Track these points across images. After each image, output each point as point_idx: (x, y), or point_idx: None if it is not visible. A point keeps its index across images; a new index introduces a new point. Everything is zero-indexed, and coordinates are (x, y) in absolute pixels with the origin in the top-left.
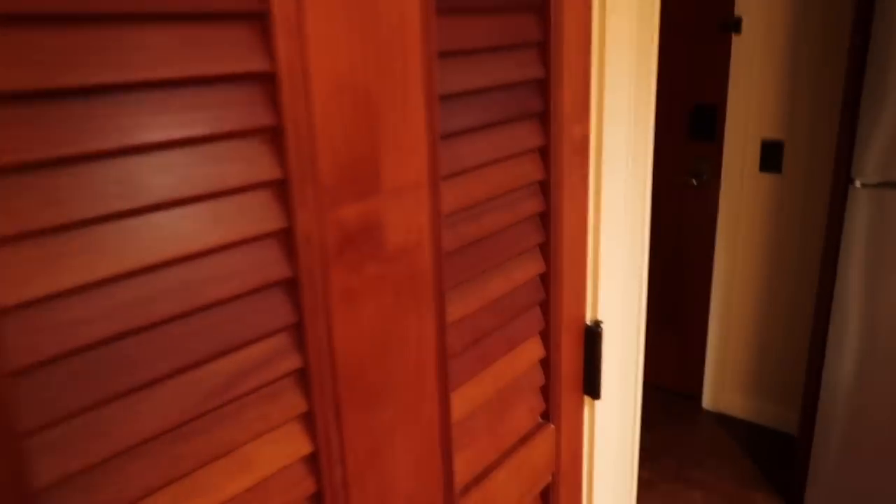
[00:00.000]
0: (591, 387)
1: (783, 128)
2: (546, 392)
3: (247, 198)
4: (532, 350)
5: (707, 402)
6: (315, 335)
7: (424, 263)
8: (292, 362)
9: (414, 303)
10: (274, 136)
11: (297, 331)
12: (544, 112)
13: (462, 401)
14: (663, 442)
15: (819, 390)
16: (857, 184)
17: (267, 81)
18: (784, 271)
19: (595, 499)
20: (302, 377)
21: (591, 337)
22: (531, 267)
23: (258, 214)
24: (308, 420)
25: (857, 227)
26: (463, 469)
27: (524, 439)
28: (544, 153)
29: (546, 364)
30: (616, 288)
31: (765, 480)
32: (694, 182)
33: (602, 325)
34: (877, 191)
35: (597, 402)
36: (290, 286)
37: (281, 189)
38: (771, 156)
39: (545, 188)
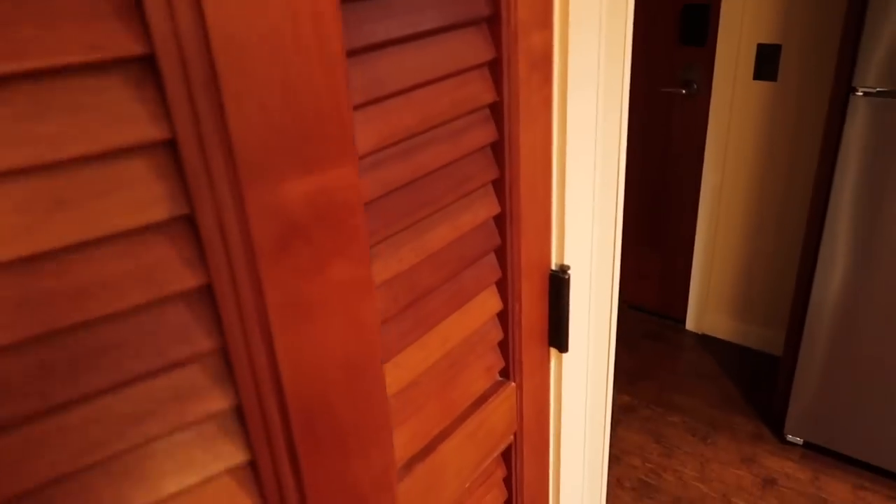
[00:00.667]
0: (558, 339)
1: (780, 31)
2: (505, 348)
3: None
4: (487, 304)
5: (691, 323)
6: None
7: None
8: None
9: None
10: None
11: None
12: (493, 16)
13: (400, 371)
14: (644, 365)
15: (806, 311)
16: (859, 92)
17: None
18: (775, 187)
19: (563, 458)
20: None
21: (557, 284)
22: (483, 209)
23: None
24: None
25: (856, 139)
26: (406, 444)
27: (480, 401)
28: (495, 69)
29: (504, 317)
30: (585, 229)
31: (746, 402)
32: (683, 91)
33: (569, 271)
34: (879, 100)
35: (564, 356)
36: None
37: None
38: (767, 62)
39: (497, 113)
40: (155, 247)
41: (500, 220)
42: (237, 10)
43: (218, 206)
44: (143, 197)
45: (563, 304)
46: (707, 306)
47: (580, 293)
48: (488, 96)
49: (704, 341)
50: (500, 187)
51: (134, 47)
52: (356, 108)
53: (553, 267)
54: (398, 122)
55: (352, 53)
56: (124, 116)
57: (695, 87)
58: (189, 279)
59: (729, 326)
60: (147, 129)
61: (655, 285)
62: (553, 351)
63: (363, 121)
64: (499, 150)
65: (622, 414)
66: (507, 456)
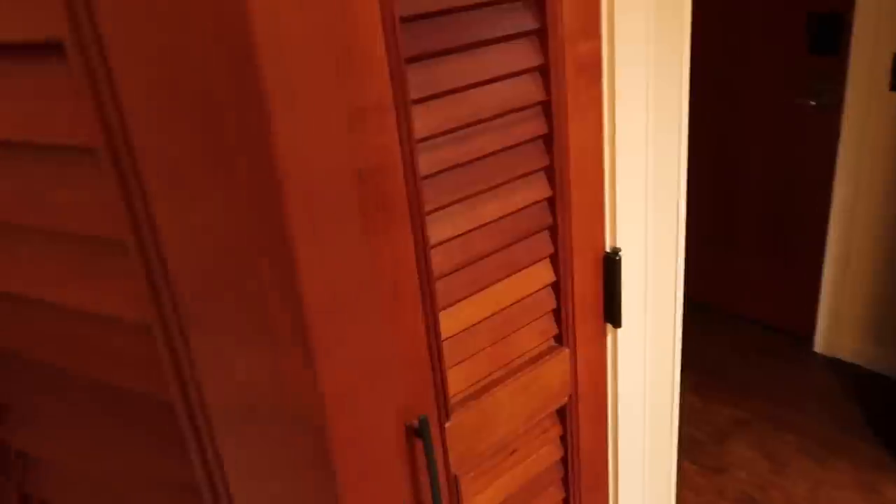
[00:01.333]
0: (612, 315)
1: None
2: (558, 317)
3: None
4: (540, 275)
5: (818, 342)
6: None
7: (395, 186)
8: None
9: (385, 223)
10: None
11: None
12: (541, 29)
13: (454, 320)
14: (760, 380)
15: None
16: None
17: None
18: None
19: (622, 427)
20: None
21: (610, 265)
22: (534, 191)
23: None
24: None
25: None
26: (459, 381)
27: (534, 359)
28: (544, 73)
29: (557, 289)
30: (638, 216)
31: (871, 429)
32: (812, 103)
33: (621, 254)
34: None
35: (619, 331)
36: None
37: None
38: None
39: (547, 110)
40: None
41: (551, 203)
42: None
43: None
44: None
45: (615, 283)
46: (835, 325)
47: (635, 275)
48: (538, 95)
49: (829, 362)
50: (551, 174)
51: None
52: (415, 102)
53: (607, 249)
54: (452, 114)
55: (412, 60)
56: None
57: (826, 97)
58: None
59: (858, 348)
60: None
61: (777, 301)
62: (609, 326)
63: (422, 112)
64: (549, 142)
65: (733, 426)
66: (562, 416)
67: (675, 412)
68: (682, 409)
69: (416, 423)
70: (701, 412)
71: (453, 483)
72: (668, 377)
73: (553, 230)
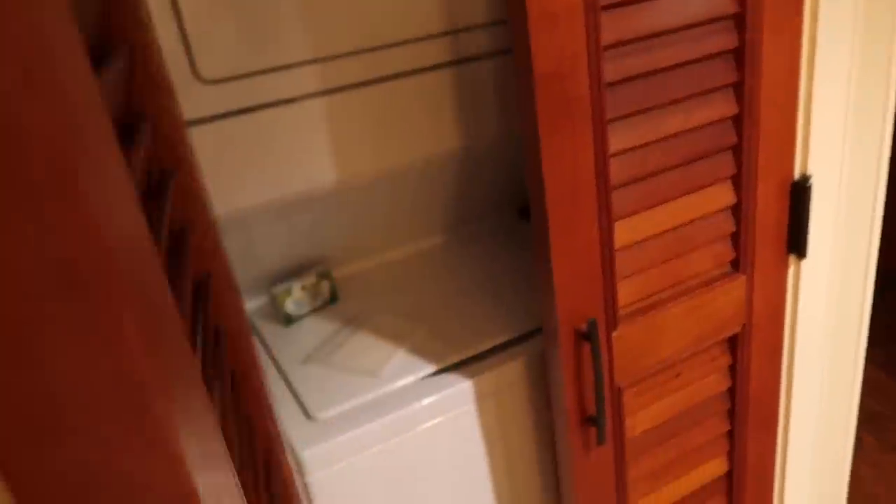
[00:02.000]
0: (796, 245)
1: None
2: (737, 241)
3: None
4: (720, 195)
5: None
6: None
7: (579, 91)
8: None
9: (569, 128)
10: None
11: None
12: None
13: (627, 231)
14: None
15: None
16: None
17: None
18: None
19: (797, 367)
20: None
21: (798, 191)
22: (719, 107)
23: None
24: None
25: None
26: (629, 293)
27: (707, 282)
28: None
29: (737, 212)
30: (835, 143)
31: None
32: None
33: (811, 180)
34: None
35: (803, 262)
36: None
37: None
38: None
39: (740, 23)
40: None
41: (737, 121)
42: None
43: None
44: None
45: (803, 211)
46: None
47: (826, 205)
48: (731, 7)
49: None
50: (739, 91)
51: None
52: (605, 8)
53: (796, 175)
54: (641, 23)
55: None
56: None
57: None
58: None
59: None
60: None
61: None
62: (792, 257)
63: (611, 18)
64: (740, 57)
65: None
66: (733, 346)
67: (860, 360)
68: (866, 382)
69: (584, 327)
70: (886, 388)
71: (616, 394)
72: (855, 320)
73: (737, 150)
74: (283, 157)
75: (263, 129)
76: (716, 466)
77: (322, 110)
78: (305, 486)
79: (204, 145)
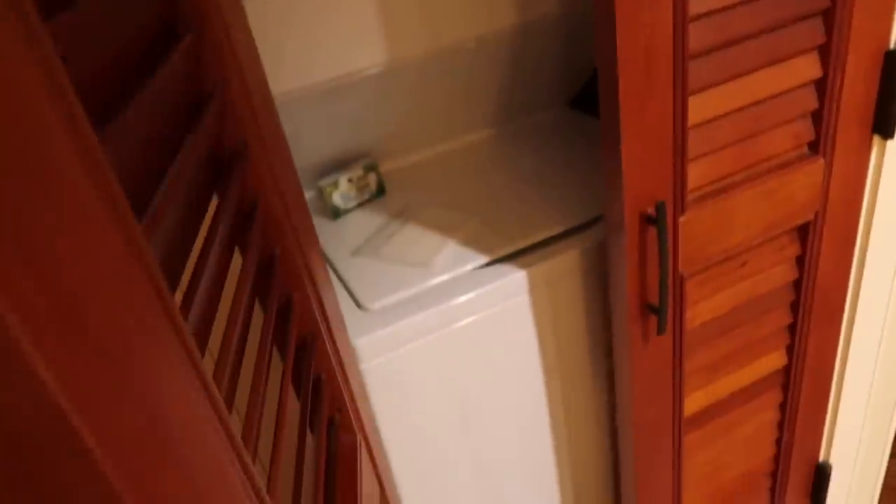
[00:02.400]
0: (884, 123)
1: None
2: (818, 120)
3: None
4: (805, 68)
5: None
6: None
7: None
8: None
9: None
10: None
11: None
12: None
13: (703, 107)
14: None
15: None
16: None
17: None
18: None
19: (869, 258)
20: None
21: (891, 63)
22: None
23: None
24: None
25: None
26: (699, 175)
27: (782, 165)
28: None
29: (822, 88)
30: None
31: None
32: None
33: None
34: None
35: (889, 143)
36: None
37: None
38: None
39: None
40: None
41: None
42: None
43: None
44: None
45: (894, 86)
46: None
47: None
48: None
49: None
50: None
51: None
52: None
53: (891, 45)
54: None
55: None
56: None
57: None
58: None
59: None
60: None
61: None
62: (877, 138)
63: None
64: None
65: None
66: (803, 235)
67: None
68: None
69: (651, 211)
70: None
71: (679, 283)
72: None
73: (829, 15)
74: (329, 36)
75: (308, 4)
76: (774, 360)
77: None
78: (360, 374)
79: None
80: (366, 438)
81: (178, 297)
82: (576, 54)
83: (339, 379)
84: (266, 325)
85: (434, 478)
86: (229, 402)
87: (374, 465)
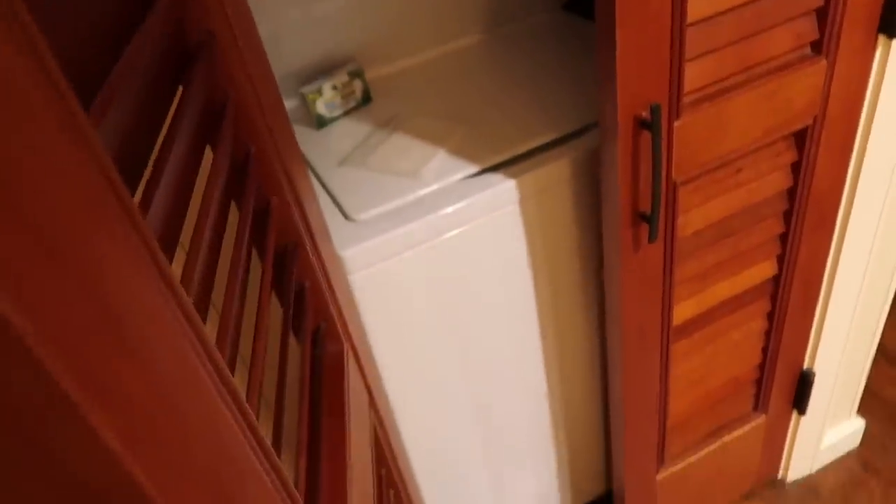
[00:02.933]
0: (891, 22)
1: None
2: (823, 19)
3: None
4: None
5: None
6: None
7: None
8: None
9: None
10: None
11: None
12: None
13: (702, 3)
14: None
15: None
16: None
17: None
18: None
19: (866, 163)
20: None
21: None
22: None
23: None
24: None
25: None
26: (697, 77)
27: (782, 67)
28: None
29: None
30: None
31: None
32: None
33: None
34: None
35: (894, 43)
36: None
37: None
38: None
39: None
40: None
41: None
42: None
43: None
44: None
45: None
46: None
47: None
48: None
49: None
50: None
51: None
52: None
53: None
54: None
55: None
56: None
57: None
58: None
59: None
60: None
61: None
62: (882, 38)
63: None
64: None
65: None
66: (801, 141)
67: None
68: None
69: (645, 114)
70: None
71: (671, 190)
72: None
73: None
74: None
75: None
76: (764, 269)
77: None
78: (348, 284)
79: None
80: (353, 347)
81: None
82: None
83: (324, 288)
84: (241, 224)
85: (425, 386)
86: (202, 302)
87: (363, 374)
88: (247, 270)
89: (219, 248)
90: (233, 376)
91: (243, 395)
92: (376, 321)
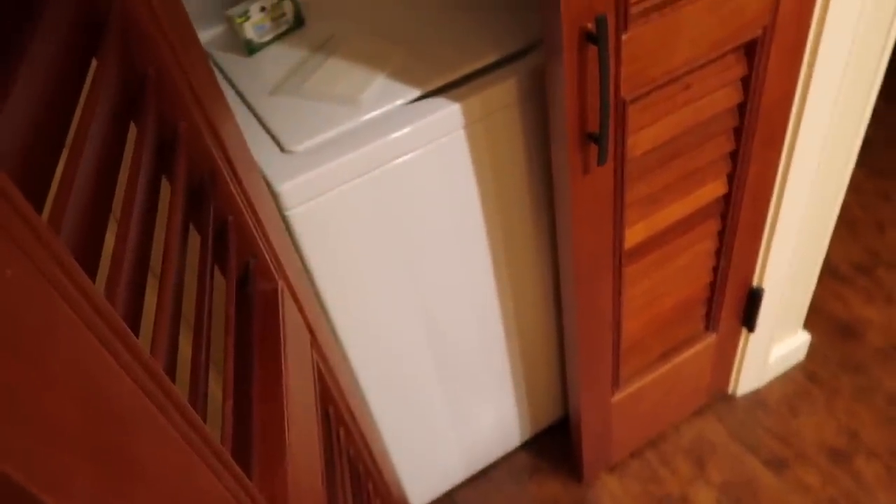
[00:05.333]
0: None
1: None
2: None
3: None
4: None
5: None
6: None
7: None
8: None
9: None
10: None
11: None
12: None
13: None
14: None
15: None
16: None
17: None
18: None
19: (816, 73)
20: None
21: None
22: None
23: None
24: None
25: None
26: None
27: None
28: None
29: None
30: None
31: None
32: None
33: None
34: None
35: None
36: None
37: None
38: None
39: None
40: None
41: None
42: None
43: None
44: None
45: None
46: None
47: None
48: None
49: None
50: None
51: None
52: None
53: None
54: None
55: None
56: None
57: None
58: None
59: None
60: None
61: None
62: None
63: None
64: None
65: None
66: (750, 54)
67: (880, 75)
68: None
69: (591, 27)
70: (881, 114)
71: (621, 108)
72: (886, 22)
73: None
74: None
75: None
76: (714, 189)
77: None
78: (287, 220)
79: None
80: (289, 285)
81: None
82: None
83: (251, 222)
84: (139, 145)
85: (376, 319)
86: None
87: (302, 312)
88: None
89: (114, 170)
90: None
91: (140, 343)
92: (319, 257)
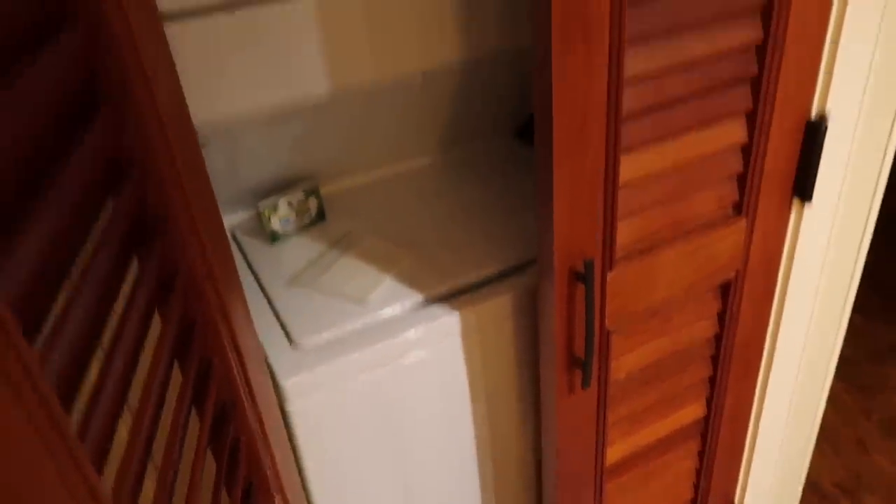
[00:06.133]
0: (803, 187)
1: None
2: (742, 183)
3: None
4: (731, 132)
5: None
6: None
7: (599, 7)
8: None
9: (584, 48)
10: None
11: None
12: None
13: (634, 165)
14: None
15: None
16: None
17: None
18: None
19: (786, 314)
20: None
21: (812, 132)
22: (742, 32)
23: None
24: None
25: None
26: (628, 233)
27: (706, 226)
28: None
29: (747, 152)
30: (858, 81)
31: None
32: None
33: (828, 121)
34: None
35: (807, 206)
36: None
37: None
38: None
39: None
40: None
41: (760, 51)
42: None
43: None
44: None
45: (814, 154)
46: None
47: (839, 146)
48: None
49: None
50: (767, 15)
51: None
52: None
53: (813, 114)
54: None
55: None
56: None
57: None
58: None
59: None
60: None
61: None
62: (796, 201)
63: None
64: None
65: (891, 350)
66: (725, 292)
67: (848, 307)
68: None
69: (580, 267)
70: (860, 331)
71: (605, 338)
72: (849, 266)
73: (756, 84)
74: (272, 61)
75: (252, 28)
76: (694, 411)
77: (316, 11)
78: (287, 414)
79: (186, 44)
80: (285, 501)
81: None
82: (524, 85)
83: (260, 443)
84: (184, 387)
85: None
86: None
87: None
88: (185, 433)
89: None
90: None
91: None
92: (314, 452)
